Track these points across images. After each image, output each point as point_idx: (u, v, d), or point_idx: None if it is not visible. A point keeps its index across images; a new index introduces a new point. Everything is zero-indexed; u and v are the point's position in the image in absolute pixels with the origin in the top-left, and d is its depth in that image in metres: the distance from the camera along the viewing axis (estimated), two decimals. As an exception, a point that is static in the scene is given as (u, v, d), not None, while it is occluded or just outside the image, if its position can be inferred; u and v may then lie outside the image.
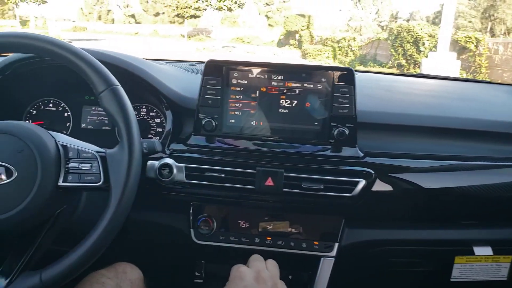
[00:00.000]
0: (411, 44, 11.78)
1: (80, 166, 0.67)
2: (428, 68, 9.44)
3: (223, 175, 0.87)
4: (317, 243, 0.93)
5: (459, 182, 0.93)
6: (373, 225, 0.97)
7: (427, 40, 11.52)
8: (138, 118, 1.06)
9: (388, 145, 0.95)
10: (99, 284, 0.76)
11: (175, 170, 0.86)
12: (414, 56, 11.75)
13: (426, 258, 1.01)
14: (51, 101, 1.08)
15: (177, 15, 31.28)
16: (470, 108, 1.10)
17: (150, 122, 1.07)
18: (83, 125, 1.09)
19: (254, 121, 0.92)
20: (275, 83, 0.90)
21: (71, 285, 0.71)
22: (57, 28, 24.72)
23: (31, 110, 1.08)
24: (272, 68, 0.91)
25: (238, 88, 0.91)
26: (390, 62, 12.96)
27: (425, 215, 0.98)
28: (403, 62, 12.01)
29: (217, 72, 0.91)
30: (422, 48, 11.53)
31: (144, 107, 1.07)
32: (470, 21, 25.44)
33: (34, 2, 26.75)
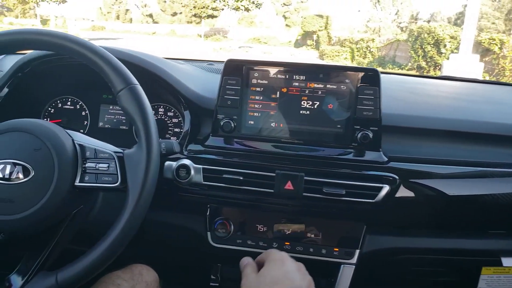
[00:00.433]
0: (432, 45, 11.58)
1: (97, 166, 0.65)
2: (450, 71, 9.22)
3: (241, 178, 0.85)
4: (337, 249, 0.90)
5: (486, 190, 0.88)
6: (396, 232, 0.93)
7: (449, 42, 11.30)
8: (156, 118, 1.05)
9: (412, 150, 0.91)
10: (114, 286, 0.74)
11: (192, 171, 0.85)
12: (434, 58, 11.54)
13: (451, 268, 0.96)
14: (69, 100, 1.08)
15: (195, 15, 31.45)
16: (498, 111, 1.05)
17: (168, 122, 1.06)
18: (100, 124, 1.08)
19: (274, 123, 0.89)
20: (296, 84, 0.88)
21: (87, 286, 0.70)
22: (76, 27, 25.19)
23: (49, 108, 1.08)
24: (294, 68, 0.88)
25: (258, 89, 0.89)
26: (410, 64, 12.76)
27: (450, 223, 0.94)
28: (423, 64, 11.80)
29: (237, 72, 0.89)
30: (443, 50, 11.32)
31: (162, 106, 1.06)
32: (493, 23, 24.83)
33: (54, 2, 27.30)
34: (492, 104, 1.13)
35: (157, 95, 1.02)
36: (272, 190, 0.84)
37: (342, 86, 0.87)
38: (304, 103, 0.88)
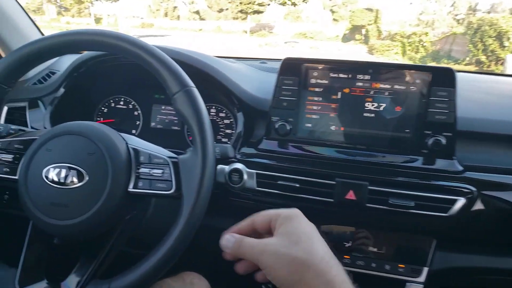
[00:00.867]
0: (494, 38, 10.77)
1: (151, 172, 0.62)
2: (513, 66, 8.58)
3: (297, 185, 0.79)
4: (402, 266, 0.82)
5: None
6: (471, 250, 0.83)
7: (513, 34, 10.48)
8: None
9: (491, 158, 0.81)
10: (164, 294, 0.72)
11: (245, 176, 0.80)
12: (496, 52, 10.74)
13: None
14: (122, 99, 1.08)
15: (241, 11, 31.62)
16: None
17: (220, 123, 1.02)
18: (152, 124, 1.07)
19: (334, 126, 0.82)
20: (360, 84, 0.80)
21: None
22: (127, 25, 26.19)
23: (103, 108, 1.08)
24: (358, 67, 0.81)
25: (317, 89, 0.83)
26: (468, 59, 11.98)
27: None
28: (483, 58, 11.04)
29: (295, 71, 0.83)
30: (506, 43, 10.50)
31: (213, 107, 1.02)
32: (562, 12, 22.73)
33: (107, 0, 28.60)
34: None
35: (209, 95, 0.99)
36: (331, 200, 0.77)
37: (412, 87, 0.78)
38: (368, 104, 0.80)
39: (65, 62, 1.06)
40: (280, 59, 0.86)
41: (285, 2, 25.87)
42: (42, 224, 0.60)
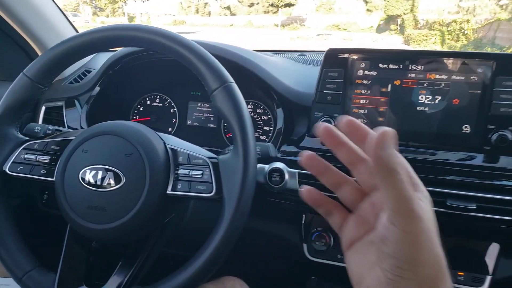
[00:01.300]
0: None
1: (190, 173, 0.59)
2: None
3: None
4: (462, 273, 0.74)
5: None
6: None
7: None
8: None
9: None
10: (205, 300, 0.69)
11: (286, 176, 0.75)
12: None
13: None
14: (158, 97, 1.06)
15: (271, 5, 31.42)
16: None
17: (257, 119, 0.98)
18: (189, 121, 1.04)
19: (383, 121, 0.76)
20: (413, 75, 0.73)
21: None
22: (159, 23, 26.66)
23: (138, 106, 1.07)
24: (410, 56, 0.73)
25: (364, 81, 0.76)
26: (513, 46, 11.30)
27: None
28: (530, 44, 10.37)
29: (340, 62, 0.77)
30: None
31: (250, 103, 0.98)
32: None
33: (140, -1, 29.29)
34: None
35: (246, 90, 0.94)
36: None
37: (472, 77, 0.71)
38: (422, 97, 0.73)
39: (101, 60, 1.05)
40: (320, 51, 0.80)
41: (317, -6, 25.41)
42: (79, 227, 0.58)
